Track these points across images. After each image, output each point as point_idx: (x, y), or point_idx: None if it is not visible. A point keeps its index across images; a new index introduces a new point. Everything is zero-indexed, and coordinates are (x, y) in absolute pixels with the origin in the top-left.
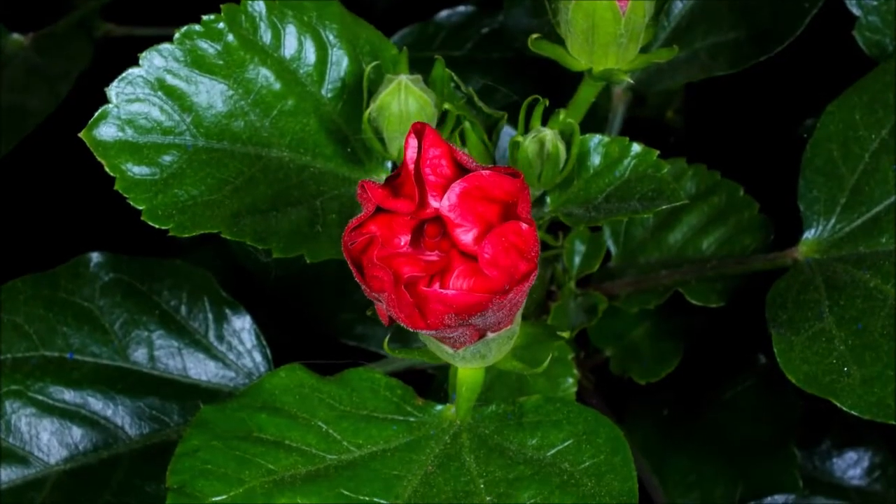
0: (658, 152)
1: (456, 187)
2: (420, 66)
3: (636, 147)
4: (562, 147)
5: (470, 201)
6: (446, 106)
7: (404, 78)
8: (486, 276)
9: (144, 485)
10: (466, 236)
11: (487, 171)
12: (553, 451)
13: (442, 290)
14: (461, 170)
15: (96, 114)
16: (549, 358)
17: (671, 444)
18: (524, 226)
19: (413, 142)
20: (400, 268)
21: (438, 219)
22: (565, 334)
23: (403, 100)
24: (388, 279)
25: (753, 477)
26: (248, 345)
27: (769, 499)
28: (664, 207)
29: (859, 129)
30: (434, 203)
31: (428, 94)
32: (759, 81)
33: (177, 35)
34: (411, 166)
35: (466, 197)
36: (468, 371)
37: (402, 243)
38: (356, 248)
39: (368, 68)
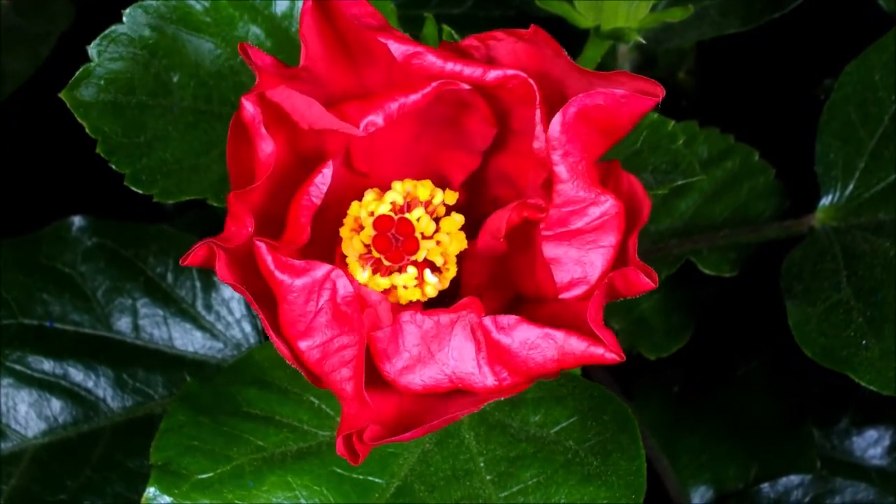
0: (673, 122)
1: (575, 104)
2: (418, 24)
3: (650, 115)
4: None
5: (583, 125)
6: None
7: None
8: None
9: (126, 460)
10: (567, 177)
11: (620, 90)
12: (557, 429)
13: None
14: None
15: (77, 73)
16: None
17: (682, 422)
18: (646, 280)
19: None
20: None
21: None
22: None
23: None
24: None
25: (768, 457)
26: (238, 315)
27: (784, 479)
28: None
29: (878, 91)
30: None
31: None
32: (775, 40)
33: None
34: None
35: (582, 120)
36: None
37: (250, 230)
38: (195, 259)
39: None
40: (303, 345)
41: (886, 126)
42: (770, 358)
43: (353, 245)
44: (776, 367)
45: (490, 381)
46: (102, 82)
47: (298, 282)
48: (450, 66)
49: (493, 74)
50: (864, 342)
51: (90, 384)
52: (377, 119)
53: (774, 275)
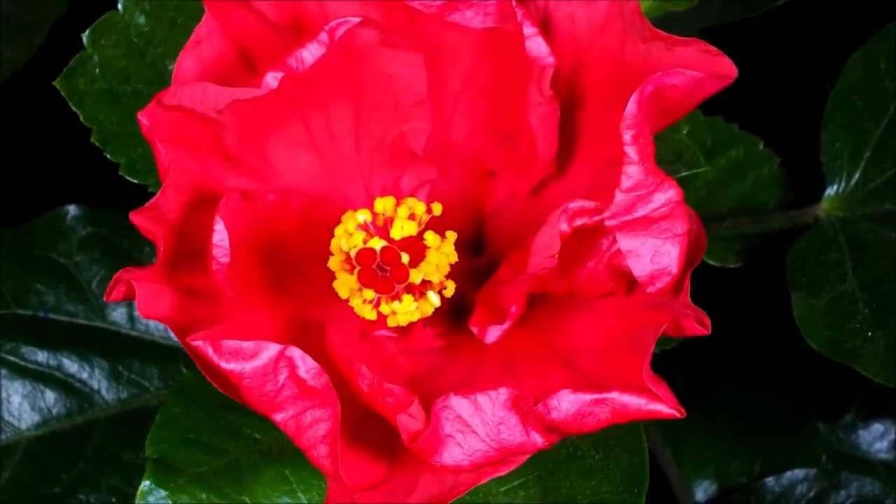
0: None
1: (652, 83)
2: None
3: None
4: None
5: (654, 105)
6: None
7: None
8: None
9: (121, 453)
10: (638, 159)
11: (698, 73)
12: None
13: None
14: None
15: (72, 61)
16: None
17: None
18: (699, 328)
19: None
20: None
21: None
22: None
23: None
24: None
25: (773, 451)
26: None
27: (789, 473)
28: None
29: (884, 79)
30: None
31: None
32: (779, 28)
33: None
34: None
35: (656, 100)
36: None
37: (161, 249)
38: (117, 296)
39: None
40: (277, 417)
41: (892, 115)
42: (774, 351)
43: (344, 281)
44: (780, 361)
45: (541, 442)
46: (97, 70)
47: (248, 367)
48: None
49: None
50: (869, 334)
51: (84, 375)
52: (277, 74)
53: (778, 267)
